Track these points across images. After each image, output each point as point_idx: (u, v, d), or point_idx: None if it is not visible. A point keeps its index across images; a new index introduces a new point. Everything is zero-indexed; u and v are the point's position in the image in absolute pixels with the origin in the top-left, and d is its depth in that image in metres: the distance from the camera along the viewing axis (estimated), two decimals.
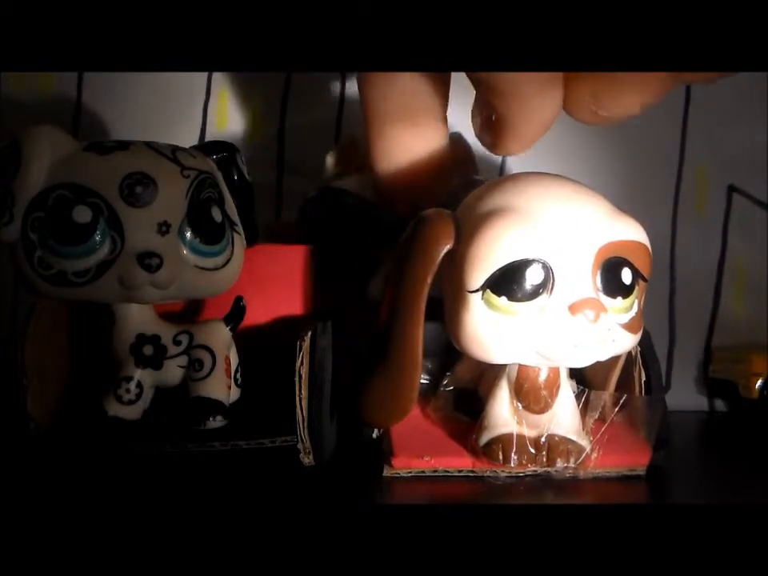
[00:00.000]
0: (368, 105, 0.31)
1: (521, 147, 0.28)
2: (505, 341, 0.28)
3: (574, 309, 0.27)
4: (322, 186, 0.41)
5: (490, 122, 0.28)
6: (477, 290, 0.27)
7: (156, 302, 0.33)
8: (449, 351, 0.32)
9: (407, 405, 0.30)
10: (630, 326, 0.29)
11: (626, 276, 0.28)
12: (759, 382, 0.43)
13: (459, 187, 0.39)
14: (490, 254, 0.27)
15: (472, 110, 0.30)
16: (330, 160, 0.43)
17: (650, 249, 0.29)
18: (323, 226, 0.39)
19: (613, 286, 0.28)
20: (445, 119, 0.32)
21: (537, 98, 0.26)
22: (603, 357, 0.29)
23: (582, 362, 0.29)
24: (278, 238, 0.39)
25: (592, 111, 0.26)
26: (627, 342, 0.29)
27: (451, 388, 0.33)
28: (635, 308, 0.29)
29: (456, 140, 0.44)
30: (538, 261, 0.27)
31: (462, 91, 0.31)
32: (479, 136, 0.30)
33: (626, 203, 0.30)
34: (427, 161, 0.32)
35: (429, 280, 0.28)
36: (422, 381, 0.33)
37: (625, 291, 0.28)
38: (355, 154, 0.43)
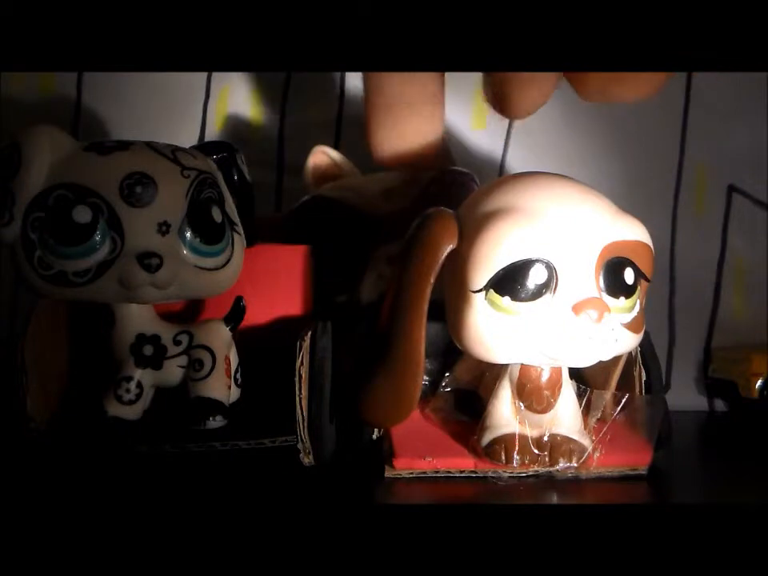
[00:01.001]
0: (370, 85, 0.31)
1: (524, 113, 0.29)
2: (508, 341, 0.28)
3: (577, 308, 0.27)
4: (308, 196, 0.41)
5: (495, 92, 0.28)
6: (480, 290, 0.27)
7: (156, 301, 0.33)
8: (448, 352, 0.32)
9: (410, 405, 0.30)
10: (632, 326, 0.29)
11: (629, 276, 0.28)
12: (759, 382, 0.43)
13: (435, 177, 0.39)
14: (493, 254, 0.27)
15: (483, 83, 0.30)
16: (306, 174, 0.44)
17: (652, 249, 0.29)
18: (310, 235, 0.39)
19: (616, 286, 0.28)
20: (442, 99, 0.32)
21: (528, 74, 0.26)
22: (607, 356, 0.29)
23: (585, 362, 0.29)
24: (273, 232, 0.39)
25: (602, 97, 0.26)
26: (630, 341, 0.29)
27: (450, 389, 0.33)
28: (637, 308, 0.29)
29: None
30: (541, 261, 0.27)
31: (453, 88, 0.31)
32: (490, 104, 0.30)
33: (626, 203, 0.30)
34: (425, 140, 0.32)
35: (431, 279, 0.28)
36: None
37: (627, 291, 0.28)
38: (329, 165, 0.44)
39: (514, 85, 0.27)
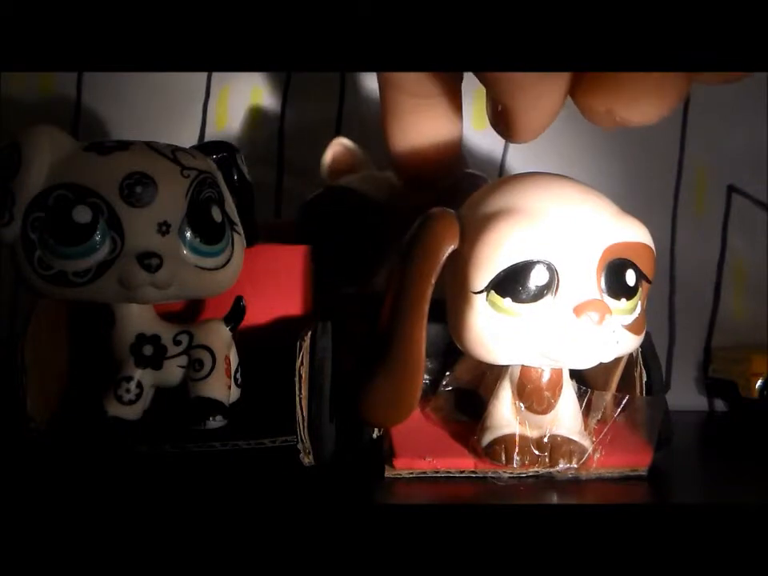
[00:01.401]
0: (385, 82, 0.31)
1: (529, 135, 0.28)
2: (509, 342, 0.28)
3: (578, 310, 0.27)
4: (324, 185, 0.41)
5: (498, 111, 0.28)
6: (481, 291, 0.27)
7: (156, 302, 0.33)
8: (448, 352, 0.32)
9: (411, 405, 0.30)
10: (633, 328, 0.29)
11: (630, 278, 0.28)
12: (759, 382, 0.43)
13: (450, 180, 0.39)
14: (494, 255, 0.27)
15: (485, 101, 0.30)
16: (323, 166, 0.44)
17: (653, 250, 0.29)
18: (326, 225, 0.39)
19: (617, 287, 0.28)
20: (459, 95, 0.32)
21: (538, 89, 0.26)
22: (608, 358, 0.29)
23: (587, 364, 0.29)
24: (276, 235, 0.39)
25: (609, 119, 0.26)
26: (631, 343, 0.29)
27: (450, 388, 0.33)
28: (639, 309, 0.29)
29: None
30: (542, 262, 0.27)
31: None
32: (493, 125, 0.30)
33: (626, 203, 0.30)
34: (441, 136, 0.32)
35: (432, 280, 0.28)
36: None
37: (629, 293, 0.28)
38: (347, 157, 0.44)
39: (518, 105, 0.27)
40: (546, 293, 0.27)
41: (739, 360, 0.45)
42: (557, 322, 0.27)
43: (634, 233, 0.28)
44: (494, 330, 0.28)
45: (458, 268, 0.28)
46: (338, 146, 0.44)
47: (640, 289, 0.29)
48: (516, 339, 0.28)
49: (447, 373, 0.33)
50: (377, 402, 0.30)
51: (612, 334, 0.28)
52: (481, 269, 0.27)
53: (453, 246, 0.28)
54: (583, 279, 0.28)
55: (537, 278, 0.27)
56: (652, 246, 0.29)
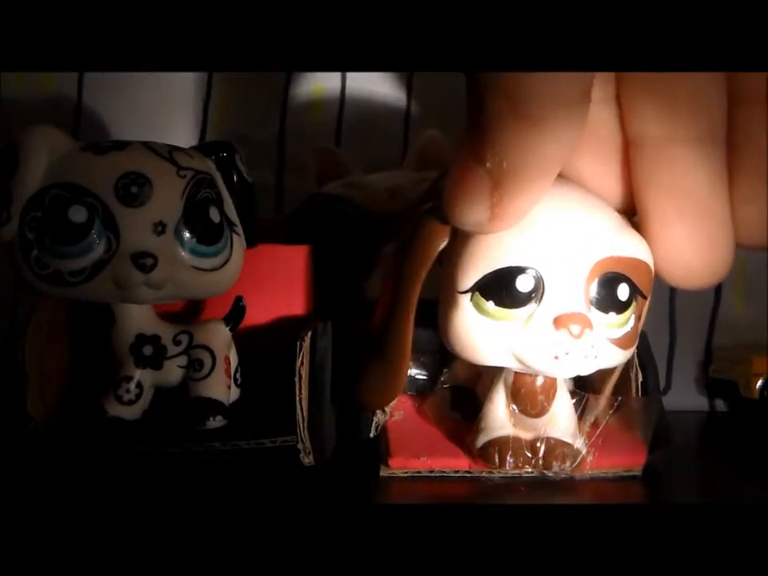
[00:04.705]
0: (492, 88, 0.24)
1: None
2: (489, 345, 0.27)
3: (558, 322, 0.27)
4: (309, 194, 0.41)
5: None
6: (466, 292, 0.27)
7: (152, 302, 0.33)
8: (446, 349, 0.32)
9: (396, 389, 0.30)
10: (621, 342, 0.28)
11: (623, 292, 0.27)
12: (759, 382, 0.43)
13: (437, 180, 0.39)
14: (481, 257, 0.27)
15: None
16: (310, 172, 0.44)
17: (651, 266, 0.28)
18: (313, 234, 0.39)
19: (607, 301, 0.27)
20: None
21: None
22: (585, 372, 0.28)
23: (563, 375, 0.28)
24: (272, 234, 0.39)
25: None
26: (615, 357, 0.28)
27: (448, 386, 0.33)
28: (631, 323, 0.28)
29: (429, 137, 0.44)
30: (529, 269, 0.27)
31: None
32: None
33: None
34: None
35: (422, 275, 0.28)
36: (420, 377, 0.33)
37: (619, 307, 0.27)
38: (333, 163, 0.44)
39: None
40: (530, 300, 0.27)
41: (740, 360, 0.45)
42: (536, 330, 0.27)
43: (631, 248, 0.27)
44: (475, 331, 0.27)
45: (448, 267, 0.28)
46: (324, 152, 0.44)
47: (634, 303, 0.28)
48: (495, 343, 0.27)
49: (445, 370, 0.33)
50: (367, 386, 0.30)
51: (591, 349, 0.27)
52: (468, 269, 0.27)
53: (444, 243, 0.28)
54: (569, 290, 0.27)
55: (522, 284, 0.27)
56: (650, 262, 0.28)
